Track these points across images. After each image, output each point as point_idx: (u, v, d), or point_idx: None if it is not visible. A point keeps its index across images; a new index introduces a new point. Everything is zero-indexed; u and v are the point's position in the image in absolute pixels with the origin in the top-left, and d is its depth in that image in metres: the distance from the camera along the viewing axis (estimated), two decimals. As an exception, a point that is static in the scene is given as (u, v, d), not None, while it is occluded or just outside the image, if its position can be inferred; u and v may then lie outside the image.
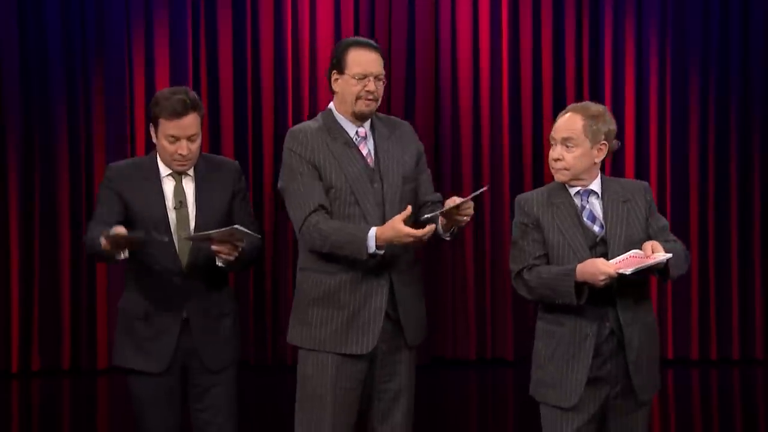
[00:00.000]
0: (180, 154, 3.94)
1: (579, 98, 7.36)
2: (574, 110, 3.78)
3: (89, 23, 7.12)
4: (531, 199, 3.82)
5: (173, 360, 3.99)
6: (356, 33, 7.30)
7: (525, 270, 3.74)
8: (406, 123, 4.14)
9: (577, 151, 3.72)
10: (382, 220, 3.87)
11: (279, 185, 4.00)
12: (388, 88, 7.33)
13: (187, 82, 7.14)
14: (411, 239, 3.73)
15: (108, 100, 7.17)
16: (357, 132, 3.97)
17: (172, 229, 3.97)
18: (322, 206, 3.87)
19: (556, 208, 3.76)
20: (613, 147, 3.78)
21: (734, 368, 7.24)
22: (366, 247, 3.77)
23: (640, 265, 3.53)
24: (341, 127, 3.96)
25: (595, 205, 3.77)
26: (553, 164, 3.77)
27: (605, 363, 3.69)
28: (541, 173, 7.31)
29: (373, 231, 3.77)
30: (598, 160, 3.76)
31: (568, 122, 3.75)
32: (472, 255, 7.36)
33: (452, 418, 6.36)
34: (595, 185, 3.78)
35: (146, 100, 7.14)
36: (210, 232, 3.84)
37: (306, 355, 3.97)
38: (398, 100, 7.32)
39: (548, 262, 3.73)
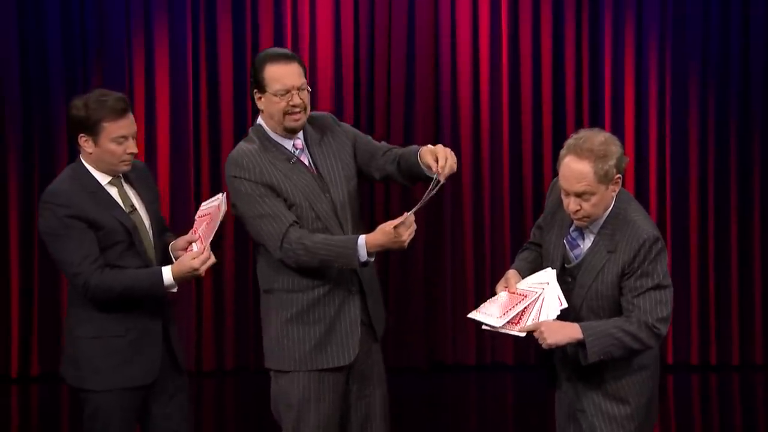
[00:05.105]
0: (130, 154, 3.79)
1: (579, 103, 7.34)
2: (578, 155, 3.43)
3: (89, 28, 7.09)
4: (557, 198, 3.65)
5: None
6: (356, 38, 7.29)
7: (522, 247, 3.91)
8: (326, 116, 4.01)
9: (594, 199, 3.46)
10: (340, 228, 3.83)
11: (235, 213, 3.85)
12: (387, 95, 7.38)
13: (187, 87, 7.15)
14: (403, 239, 3.65)
15: (108, 105, 7.15)
16: (294, 145, 3.87)
17: (140, 235, 3.84)
18: (295, 221, 3.77)
19: (559, 217, 3.66)
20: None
21: (734, 373, 7.23)
22: (357, 258, 3.70)
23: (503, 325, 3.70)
24: (278, 143, 3.85)
25: (586, 241, 3.60)
26: (571, 214, 3.52)
27: None
28: (540, 178, 7.30)
29: (362, 239, 3.70)
30: (615, 192, 3.51)
31: (577, 175, 3.42)
32: (472, 259, 7.34)
33: (452, 423, 6.35)
34: (600, 222, 3.55)
35: (146, 104, 7.14)
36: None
37: (284, 378, 3.86)
38: (398, 106, 7.30)
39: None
